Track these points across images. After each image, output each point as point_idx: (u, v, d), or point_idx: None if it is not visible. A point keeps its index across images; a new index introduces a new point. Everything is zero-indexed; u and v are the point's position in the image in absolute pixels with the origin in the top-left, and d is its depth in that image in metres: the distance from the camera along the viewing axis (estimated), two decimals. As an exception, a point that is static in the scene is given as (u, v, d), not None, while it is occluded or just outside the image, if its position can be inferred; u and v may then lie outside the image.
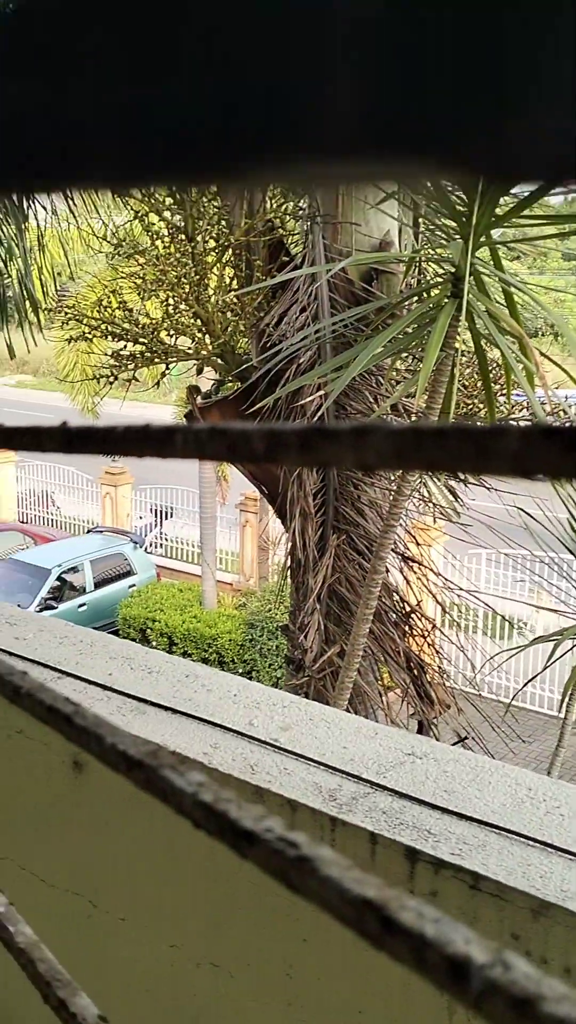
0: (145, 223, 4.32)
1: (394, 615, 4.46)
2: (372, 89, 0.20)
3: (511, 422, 4.39)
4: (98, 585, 13.19)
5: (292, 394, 4.11)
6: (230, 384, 4.81)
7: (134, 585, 13.43)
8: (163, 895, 1.23)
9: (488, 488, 4.36)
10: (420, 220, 4.22)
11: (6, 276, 5.72)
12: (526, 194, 3.12)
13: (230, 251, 4.46)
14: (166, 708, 1.34)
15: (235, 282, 4.54)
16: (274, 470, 4.42)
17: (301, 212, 4.62)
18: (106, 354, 4.64)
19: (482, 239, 3.18)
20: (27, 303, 5.71)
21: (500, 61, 0.18)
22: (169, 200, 4.24)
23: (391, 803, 1.14)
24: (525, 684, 5.92)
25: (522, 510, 4.26)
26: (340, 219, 4.33)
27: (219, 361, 4.65)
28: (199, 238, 4.31)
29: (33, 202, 5.39)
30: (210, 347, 4.53)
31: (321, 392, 4.02)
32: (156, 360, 4.55)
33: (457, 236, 3.23)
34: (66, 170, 0.28)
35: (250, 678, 10.79)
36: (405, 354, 3.99)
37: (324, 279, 4.19)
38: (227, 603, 13.06)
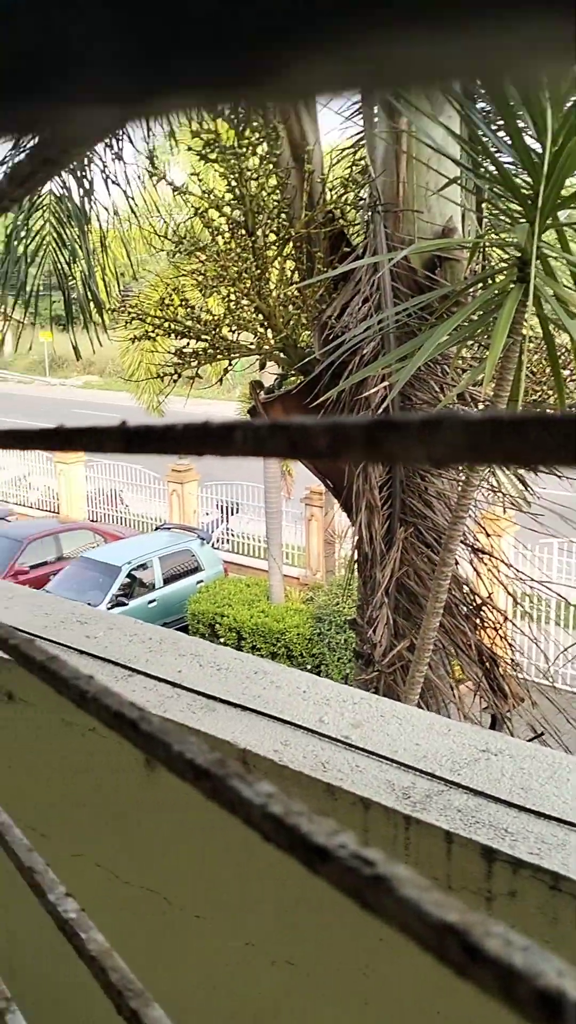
0: (205, 219, 4.34)
1: (464, 608, 4.40)
2: None
3: (581, 408, 4.28)
4: (167, 581, 13.34)
5: (356, 386, 4.08)
6: (293, 378, 4.80)
7: (202, 581, 13.55)
8: (237, 892, 1.23)
9: (559, 476, 4.27)
10: (484, 204, 4.15)
11: (71, 278, 5.81)
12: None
13: (291, 244, 4.44)
14: (235, 705, 1.33)
15: (296, 275, 4.52)
16: (339, 463, 4.40)
17: (362, 202, 4.58)
18: (169, 352, 4.67)
19: (548, 221, 3.10)
20: (91, 304, 5.79)
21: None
22: (229, 196, 4.25)
23: (466, 801, 1.12)
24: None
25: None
26: (402, 207, 4.28)
27: (281, 355, 4.64)
28: (259, 232, 4.30)
29: (95, 203, 5.46)
30: (272, 341, 4.52)
31: (385, 383, 3.98)
32: (219, 356, 4.56)
33: (522, 219, 3.16)
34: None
35: (319, 672, 10.79)
36: (471, 342, 3.93)
37: (386, 268, 4.14)
38: (294, 597, 13.08)
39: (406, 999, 1.12)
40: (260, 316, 4.43)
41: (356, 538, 4.44)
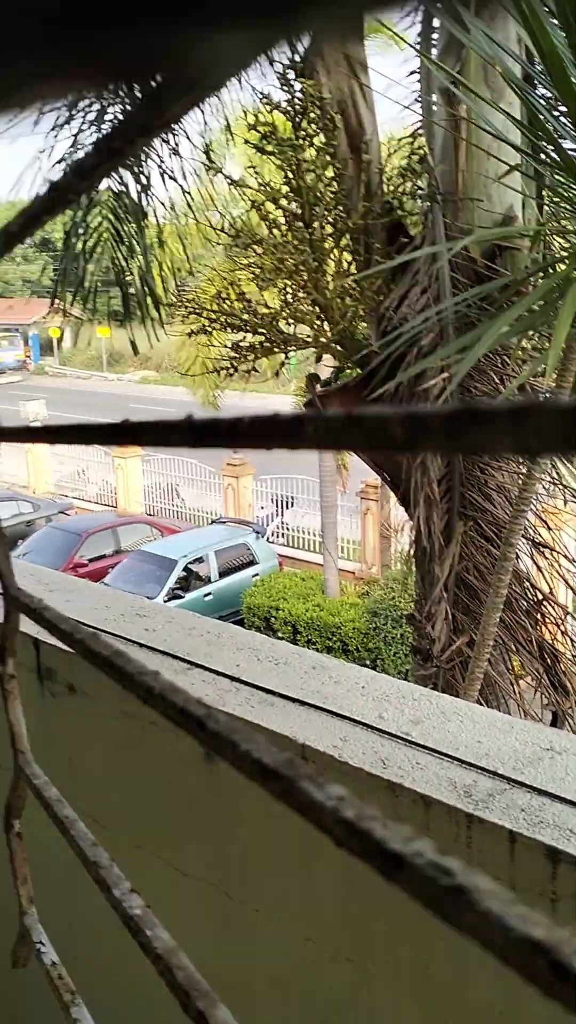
0: (262, 212, 4.33)
1: (525, 603, 4.34)
2: None
3: None
4: (223, 575, 13.42)
5: (414, 379, 4.04)
6: (349, 371, 4.77)
7: (257, 574, 13.60)
8: (298, 887, 1.23)
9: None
10: (545, 192, 4.07)
11: (128, 274, 5.86)
12: None
13: (348, 236, 4.41)
14: (294, 700, 1.33)
15: (353, 267, 4.49)
16: (397, 456, 4.36)
17: (420, 191, 4.53)
18: (225, 346, 4.68)
19: (612, 208, 3.03)
20: (149, 299, 5.84)
21: None
22: (286, 188, 4.23)
23: (529, 800, 1.10)
24: None
25: None
26: (461, 196, 4.22)
27: (338, 348, 4.62)
28: (316, 224, 4.28)
29: (152, 198, 5.49)
30: (329, 334, 4.50)
31: (444, 375, 3.93)
32: (275, 350, 4.55)
33: (585, 206, 3.09)
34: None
35: (375, 667, 10.74)
36: (532, 332, 3.86)
37: (446, 259, 4.09)
38: (350, 591, 13.06)
39: (469, 999, 1.11)
40: (317, 308, 4.41)
41: (414, 532, 4.40)
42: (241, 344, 4.54)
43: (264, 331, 4.44)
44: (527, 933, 0.24)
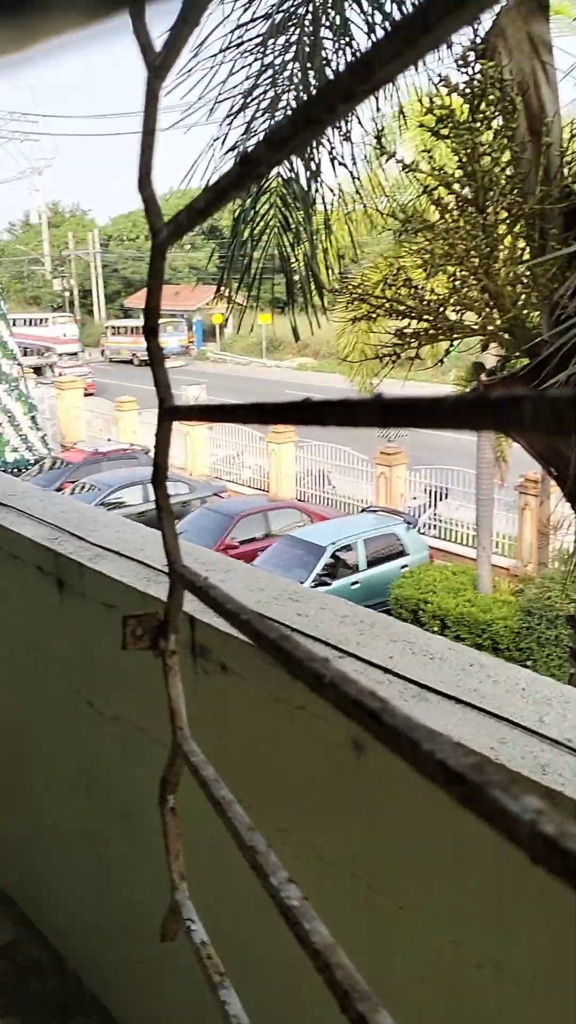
0: (434, 196, 4.25)
1: None
2: None
3: None
4: (371, 564, 13.39)
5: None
6: (516, 360, 4.62)
7: (406, 566, 13.49)
8: (445, 887, 1.19)
9: None
10: None
11: (294, 260, 5.89)
12: None
13: (522, 221, 4.26)
14: (449, 697, 1.29)
15: (527, 253, 4.34)
16: (566, 450, 4.19)
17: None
18: (388, 333, 4.63)
19: None
20: (312, 286, 5.85)
21: None
22: (459, 172, 4.14)
23: None
24: None
25: None
26: None
27: (507, 336, 4.48)
28: (490, 209, 4.16)
29: (321, 185, 5.49)
30: (497, 322, 4.37)
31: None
32: (440, 337, 4.47)
33: None
34: None
35: (524, 668, 10.43)
36: None
37: (625, 246, 3.88)
38: (503, 588, 12.75)
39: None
40: (486, 296, 4.29)
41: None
42: (405, 331, 4.48)
43: (429, 318, 4.36)
44: None
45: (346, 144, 5.42)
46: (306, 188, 5.65)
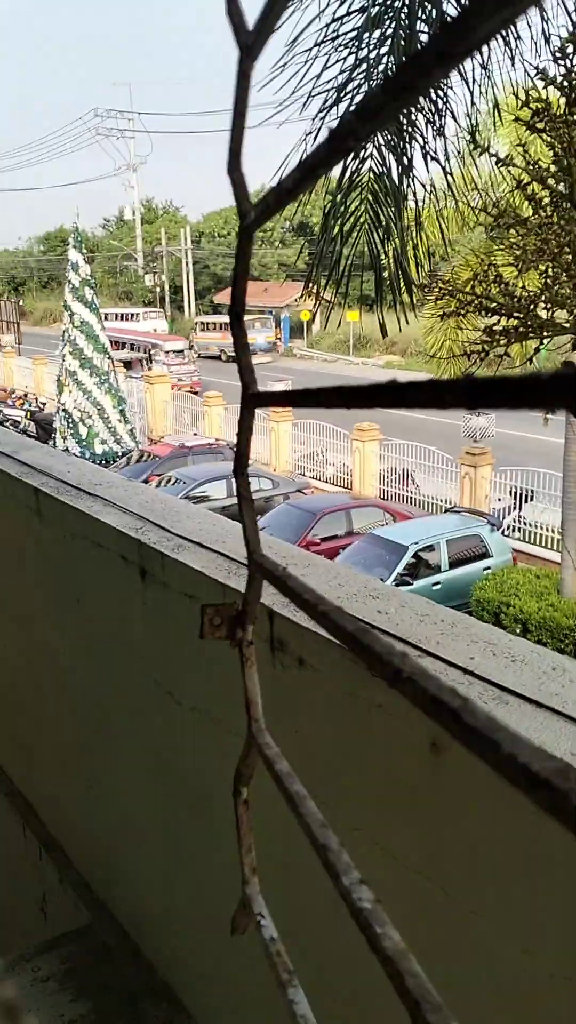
0: (527, 192, 4.16)
1: None
2: None
3: None
4: (453, 565, 13.24)
5: None
6: (609, 361, 4.50)
7: (489, 568, 13.29)
8: (520, 894, 1.16)
9: None
10: None
11: (384, 257, 5.85)
12: None
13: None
14: (530, 700, 1.25)
15: (623, 250, 4.21)
16: None
17: None
18: (478, 330, 4.56)
19: None
20: (402, 283, 5.80)
21: None
22: (554, 167, 4.04)
23: None
24: None
25: None
26: None
27: (600, 335, 4.36)
28: (586, 203, 4.06)
29: (413, 180, 5.44)
30: (590, 320, 4.26)
31: None
32: (530, 335, 4.38)
33: None
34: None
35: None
36: None
37: None
38: (588, 594, 12.42)
39: None
40: (580, 293, 4.19)
41: None
42: (494, 328, 4.41)
43: (520, 315, 4.27)
44: None
45: (439, 139, 5.35)
46: (397, 183, 5.60)
